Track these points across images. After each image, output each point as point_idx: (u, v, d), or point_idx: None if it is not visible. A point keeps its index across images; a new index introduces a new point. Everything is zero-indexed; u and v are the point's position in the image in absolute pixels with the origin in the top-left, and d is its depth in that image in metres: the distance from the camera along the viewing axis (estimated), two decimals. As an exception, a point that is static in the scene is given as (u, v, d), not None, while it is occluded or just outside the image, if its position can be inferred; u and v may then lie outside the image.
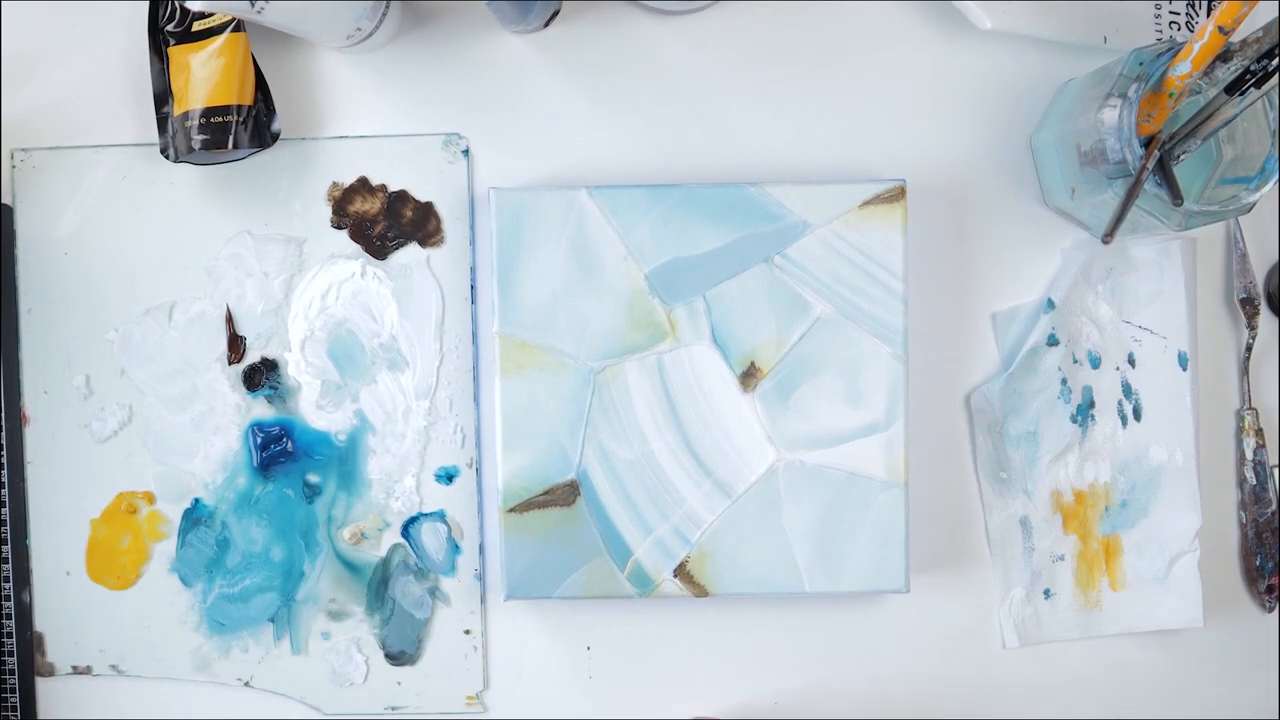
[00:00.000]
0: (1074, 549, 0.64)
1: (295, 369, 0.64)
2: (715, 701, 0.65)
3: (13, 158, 0.64)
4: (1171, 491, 0.64)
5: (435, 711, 0.64)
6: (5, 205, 0.64)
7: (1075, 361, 0.64)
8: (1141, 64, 0.54)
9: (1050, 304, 0.63)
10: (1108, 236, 0.53)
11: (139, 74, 0.64)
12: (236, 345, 0.64)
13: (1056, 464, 0.64)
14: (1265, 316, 0.65)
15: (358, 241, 0.64)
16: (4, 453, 0.64)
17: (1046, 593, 0.64)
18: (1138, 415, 0.64)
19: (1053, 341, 0.63)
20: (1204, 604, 0.64)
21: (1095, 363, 0.64)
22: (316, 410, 0.64)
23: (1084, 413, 0.64)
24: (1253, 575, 0.65)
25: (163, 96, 0.62)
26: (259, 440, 0.64)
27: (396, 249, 0.64)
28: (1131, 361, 0.64)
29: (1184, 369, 0.64)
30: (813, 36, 0.64)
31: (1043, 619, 0.64)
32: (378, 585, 0.64)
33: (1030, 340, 0.63)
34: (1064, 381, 0.64)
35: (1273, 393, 0.66)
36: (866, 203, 0.61)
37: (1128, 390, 0.64)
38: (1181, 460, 0.64)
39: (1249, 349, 0.65)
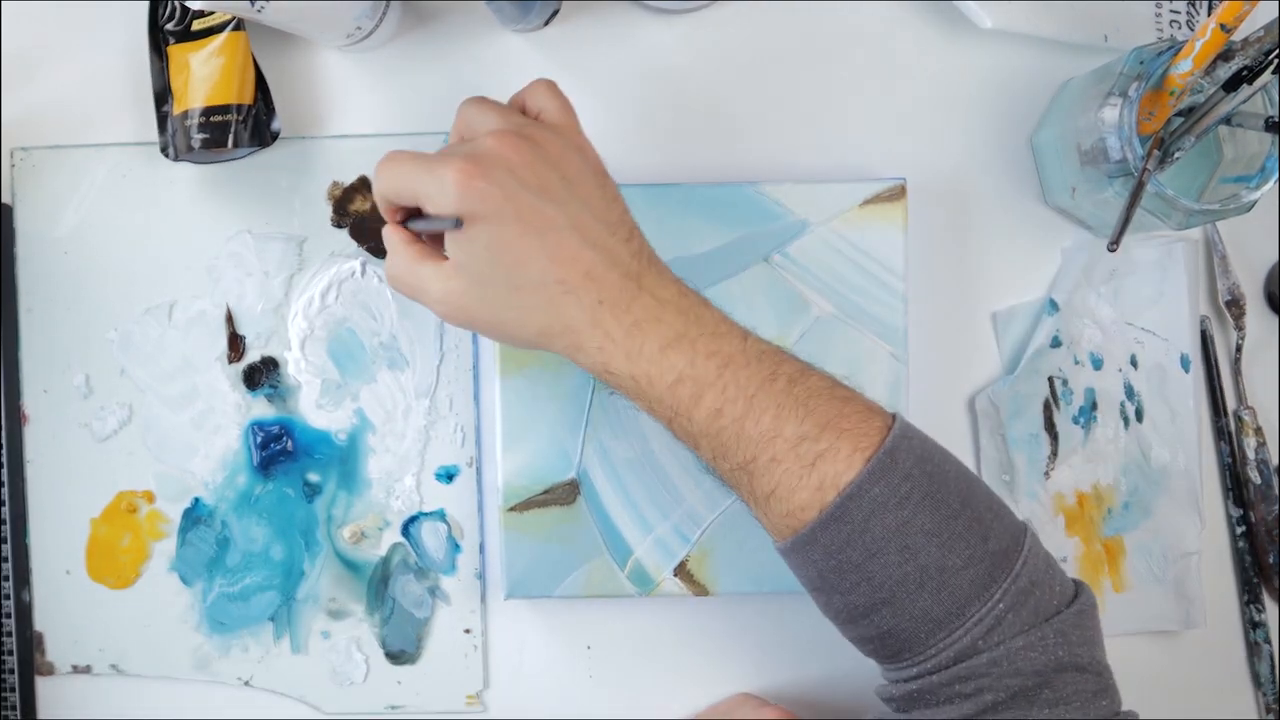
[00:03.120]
0: (1077, 551, 0.64)
1: (295, 368, 0.64)
2: (715, 701, 0.65)
3: (13, 157, 0.64)
4: (1174, 493, 0.64)
5: (435, 711, 0.64)
6: (5, 205, 0.64)
7: (1077, 363, 0.64)
8: (1142, 63, 0.54)
9: (1053, 305, 0.63)
10: (1113, 244, 0.53)
11: (139, 73, 0.64)
12: (236, 344, 0.64)
13: (1059, 466, 0.64)
14: (1263, 315, 0.65)
15: (358, 240, 0.64)
16: (4, 452, 0.64)
17: (1050, 594, 0.64)
18: (1140, 417, 0.64)
19: (1056, 344, 0.63)
20: (1206, 604, 0.64)
21: (1097, 364, 0.64)
22: (316, 409, 0.64)
23: (1086, 414, 0.64)
24: (1268, 572, 0.64)
25: (163, 95, 0.62)
26: (259, 439, 0.64)
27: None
28: (1134, 363, 0.64)
29: (1186, 371, 0.64)
30: (813, 36, 0.64)
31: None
32: (378, 584, 0.64)
33: (1034, 343, 0.63)
34: (1066, 383, 0.64)
35: (1270, 392, 0.65)
36: (867, 202, 0.61)
37: (1130, 392, 0.64)
38: (1184, 462, 0.64)
39: (1239, 349, 0.65)
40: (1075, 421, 0.64)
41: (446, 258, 0.49)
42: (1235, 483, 0.65)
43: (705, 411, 0.48)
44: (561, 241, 0.47)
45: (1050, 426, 0.64)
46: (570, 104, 0.52)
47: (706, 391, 0.47)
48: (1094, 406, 0.64)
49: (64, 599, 0.65)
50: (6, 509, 0.64)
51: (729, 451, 0.48)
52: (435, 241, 0.51)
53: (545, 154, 0.48)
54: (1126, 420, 0.64)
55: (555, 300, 0.48)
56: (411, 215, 0.51)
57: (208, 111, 0.60)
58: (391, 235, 0.51)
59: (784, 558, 0.50)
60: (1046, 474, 0.64)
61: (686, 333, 0.48)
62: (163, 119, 0.62)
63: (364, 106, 0.64)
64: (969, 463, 0.65)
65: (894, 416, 0.49)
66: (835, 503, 0.46)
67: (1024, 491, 0.64)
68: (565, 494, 0.61)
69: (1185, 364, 0.64)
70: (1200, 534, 0.64)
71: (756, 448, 0.47)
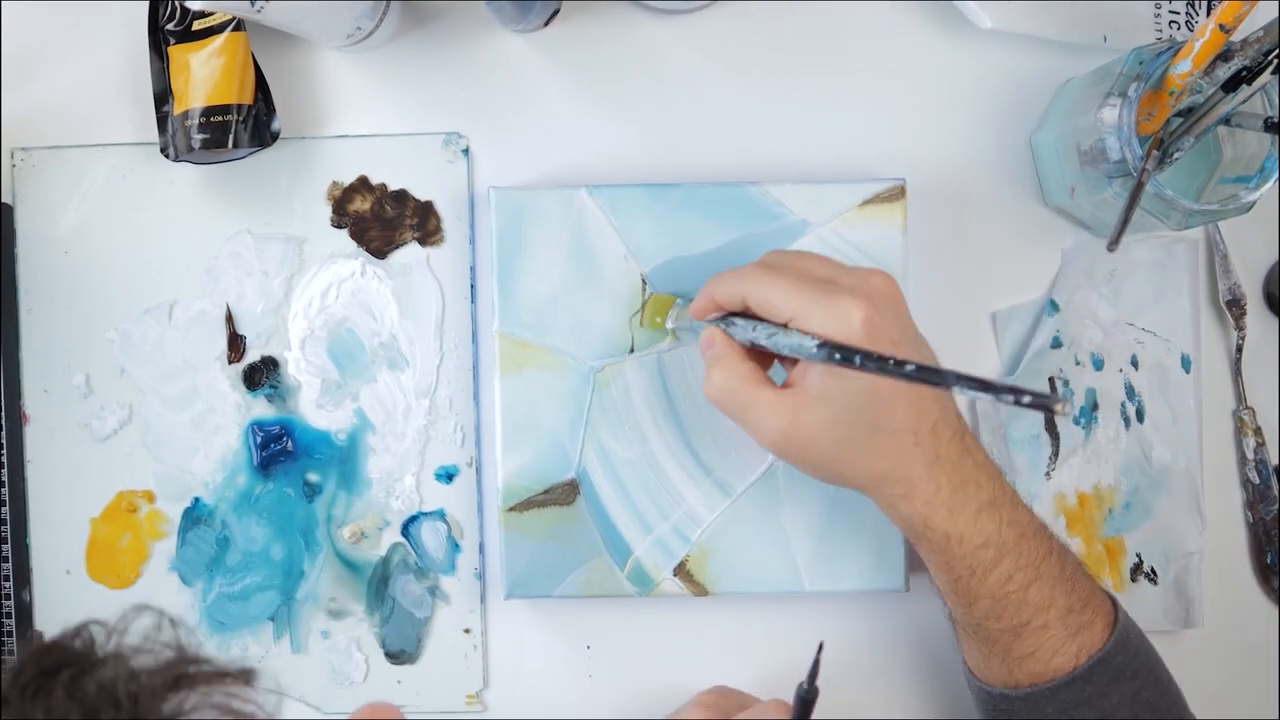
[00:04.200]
0: (1079, 551, 0.64)
1: (295, 368, 0.64)
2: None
3: (13, 157, 0.64)
4: (1175, 493, 0.64)
5: (435, 710, 0.64)
6: (5, 205, 0.64)
7: (1078, 363, 0.64)
8: (1141, 63, 0.54)
9: (1054, 306, 0.63)
10: (1113, 244, 0.53)
11: (139, 73, 0.64)
12: (236, 344, 0.64)
13: (1060, 466, 0.64)
14: (1263, 315, 0.65)
15: (357, 241, 0.64)
16: (4, 452, 0.64)
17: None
18: (1140, 417, 0.64)
19: (1057, 344, 0.63)
20: (1206, 604, 0.64)
21: (1098, 365, 0.64)
22: (316, 409, 0.64)
23: (1087, 415, 0.64)
24: (1265, 573, 0.65)
25: (163, 96, 0.62)
26: (259, 439, 0.64)
27: (396, 248, 0.64)
28: (1134, 363, 0.64)
29: (1187, 371, 0.64)
30: (813, 36, 0.64)
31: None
32: (378, 584, 0.64)
33: (1035, 343, 0.63)
34: (1067, 384, 0.64)
35: (1270, 392, 0.65)
36: (866, 202, 0.61)
37: (1131, 392, 0.64)
38: (1185, 462, 0.64)
39: (1239, 349, 0.65)
40: (1076, 422, 0.64)
41: (773, 382, 0.51)
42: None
43: (999, 576, 0.51)
44: (921, 393, 0.50)
45: (1051, 427, 0.64)
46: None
47: (1005, 557, 0.51)
48: (1095, 407, 0.64)
49: (64, 599, 0.65)
50: (7, 509, 0.64)
51: (1007, 613, 0.52)
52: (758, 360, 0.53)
53: (905, 308, 0.52)
54: (1127, 420, 0.64)
55: (904, 449, 0.50)
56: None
57: (208, 111, 0.60)
58: (723, 346, 0.52)
59: (999, 701, 0.54)
60: (1047, 474, 0.64)
61: (996, 498, 0.51)
62: (163, 119, 0.62)
63: (364, 107, 0.64)
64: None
65: (1111, 594, 0.55)
66: (1086, 665, 0.52)
67: (1025, 492, 0.63)
68: (565, 494, 0.61)
69: (1186, 364, 0.64)
70: (1201, 534, 0.64)
71: (1033, 613, 0.51)
